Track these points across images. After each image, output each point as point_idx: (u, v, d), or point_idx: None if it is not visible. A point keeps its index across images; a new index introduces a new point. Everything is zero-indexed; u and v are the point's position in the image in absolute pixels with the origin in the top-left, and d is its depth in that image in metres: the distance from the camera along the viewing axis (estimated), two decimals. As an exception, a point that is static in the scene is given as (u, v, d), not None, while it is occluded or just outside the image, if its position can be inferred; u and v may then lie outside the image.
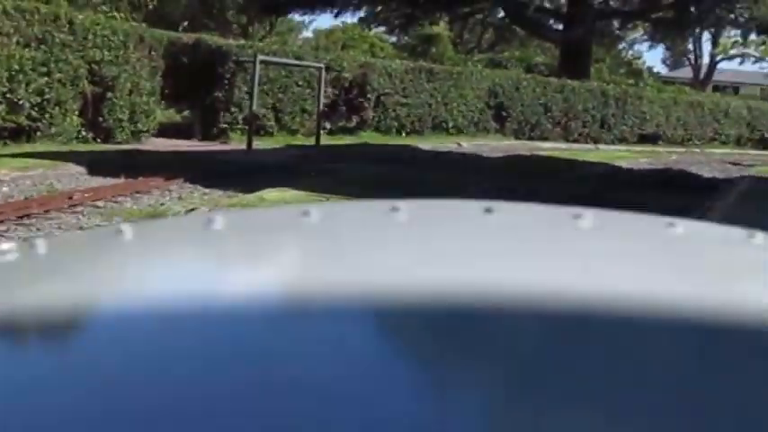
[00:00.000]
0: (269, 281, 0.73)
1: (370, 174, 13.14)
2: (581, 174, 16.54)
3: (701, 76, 62.05)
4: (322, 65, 19.89)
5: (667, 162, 22.12)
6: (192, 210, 8.81)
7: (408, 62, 25.49)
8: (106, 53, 16.00)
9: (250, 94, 17.81)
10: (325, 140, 19.36)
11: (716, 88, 58.00)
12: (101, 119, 15.89)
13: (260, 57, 18.13)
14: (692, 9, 37.03)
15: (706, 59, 63.69)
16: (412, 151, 18.97)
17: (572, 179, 15.02)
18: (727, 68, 65.10)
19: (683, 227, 0.86)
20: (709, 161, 23.89)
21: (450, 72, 24.70)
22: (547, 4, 40.46)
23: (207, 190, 10.72)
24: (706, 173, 19.64)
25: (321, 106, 19.50)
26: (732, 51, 64.97)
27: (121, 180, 10.95)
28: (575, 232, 0.85)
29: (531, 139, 26.21)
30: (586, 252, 0.82)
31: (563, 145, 25.83)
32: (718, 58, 64.55)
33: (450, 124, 24.22)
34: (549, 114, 27.02)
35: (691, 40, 63.67)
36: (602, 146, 27.08)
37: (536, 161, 18.61)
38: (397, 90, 22.86)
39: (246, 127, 17.63)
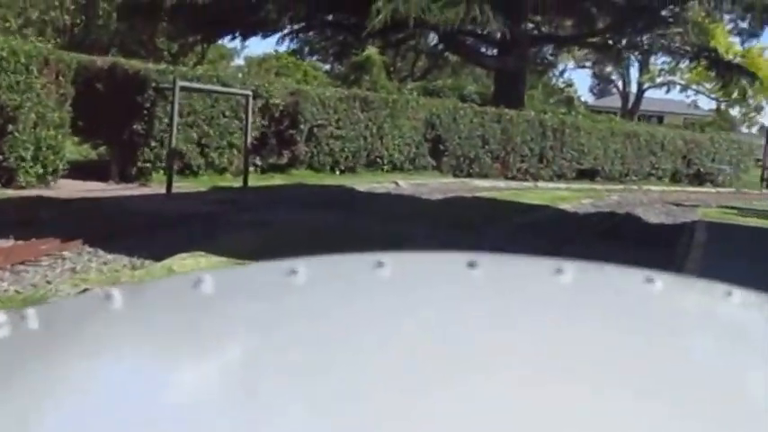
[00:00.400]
0: (269, 355, 0.76)
1: (304, 226, 11.57)
2: (526, 221, 15.24)
3: (629, 104, 62.09)
4: (249, 92, 18.08)
5: (610, 203, 21.01)
6: (85, 290, 7.13)
7: (342, 90, 24.02)
8: (5, 78, 14.10)
9: (170, 125, 15.93)
10: (255, 181, 17.64)
11: (641, 117, 58.03)
12: (1, 157, 13.97)
13: (180, 83, 16.25)
14: (627, 34, 36.53)
15: (634, 88, 63.90)
16: (348, 194, 17.45)
17: (518, 228, 13.68)
18: (652, 97, 65.43)
19: (663, 281, 0.90)
20: (651, 201, 22.88)
21: (386, 101, 23.24)
22: (479, 30, 39.66)
23: (110, 256, 9.00)
24: (652, 217, 18.55)
25: (249, 140, 17.74)
26: (659, 79, 65.44)
27: (9, 243, 9.15)
28: (557, 289, 0.89)
29: (469, 176, 24.92)
30: (569, 312, 0.87)
31: (502, 183, 24.60)
32: (646, 86, 64.84)
33: (386, 160, 22.78)
34: (487, 148, 25.77)
35: (619, 71, 63.81)
36: (541, 183, 25.96)
37: (478, 205, 17.26)
38: (330, 121, 21.33)
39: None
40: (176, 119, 15.87)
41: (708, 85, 65.61)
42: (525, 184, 25.41)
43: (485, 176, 25.64)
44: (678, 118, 67.40)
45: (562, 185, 25.93)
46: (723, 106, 65.85)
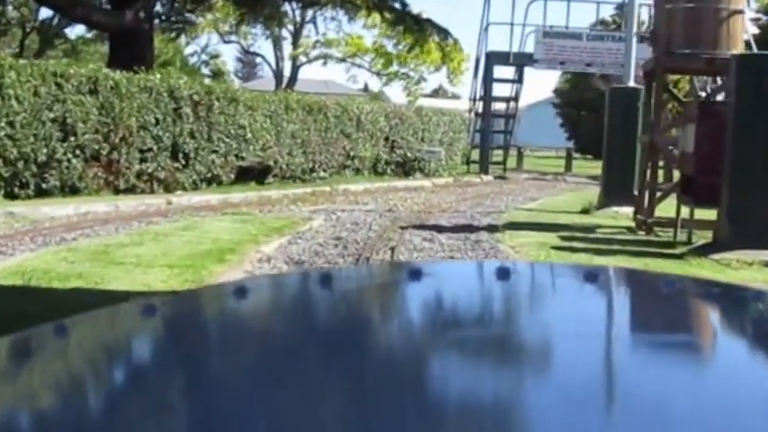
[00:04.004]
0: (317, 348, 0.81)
1: None
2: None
3: (284, 84, 51.72)
4: None
5: (322, 244, 9.65)
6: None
7: None
8: None
9: None
10: None
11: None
12: None
13: None
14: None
15: (287, 71, 53.85)
16: None
17: None
18: (305, 78, 55.88)
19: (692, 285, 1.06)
20: (383, 225, 11.90)
21: None
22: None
23: None
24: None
25: None
26: (314, 53, 55.86)
27: None
28: (590, 293, 0.97)
29: (42, 194, 12.57)
30: (598, 312, 0.94)
31: (104, 205, 12.44)
32: (300, 62, 55.02)
33: None
34: (73, 140, 13.46)
35: (271, 42, 53.62)
36: (178, 197, 14.18)
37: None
38: None
39: None
40: None
41: (367, 58, 57.63)
42: (150, 201, 13.50)
43: (74, 192, 13.42)
44: (330, 98, 57.61)
45: (215, 199, 14.36)
46: (384, 80, 57.99)
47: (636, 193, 12.51)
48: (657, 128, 10.77)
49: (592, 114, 48.96)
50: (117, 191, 14.24)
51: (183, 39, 46.42)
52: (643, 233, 10.89)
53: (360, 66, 56.41)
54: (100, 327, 0.92)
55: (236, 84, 54.75)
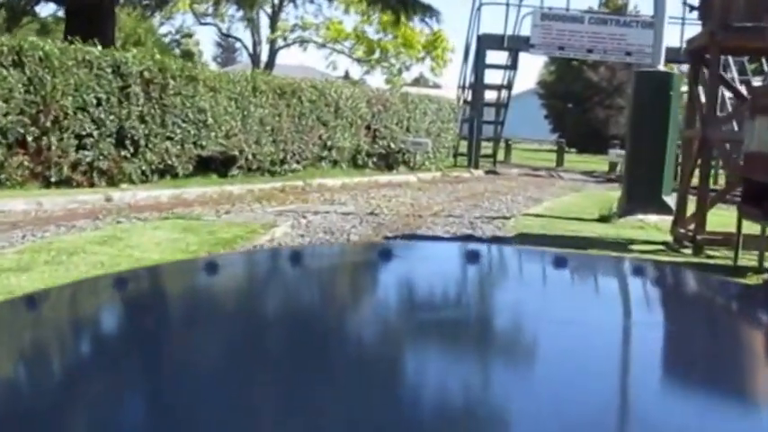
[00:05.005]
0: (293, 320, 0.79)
1: None
2: None
3: (261, 68, 49.06)
4: None
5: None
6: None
7: None
8: None
9: None
10: None
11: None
12: None
13: None
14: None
15: (265, 55, 51.20)
16: None
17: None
18: (284, 64, 53.26)
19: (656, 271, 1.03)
20: (361, 234, 9.58)
21: None
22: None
23: None
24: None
25: None
26: (292, 36, 53.20)
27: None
28: (553, 276, 0.93)
29: None
30: (561, 292, 0.91)
31: (23, 203, 9.99)
32: (278, 45, 52.36)
33: None
34: (-8, 122, 10.95)
35: (246, 25, 50.93)
36: (122, 192, 11.76)
37: None
38: None
39: None
40: None
41: (347, 43, 55.00)
42: (84, 197, 11.06)
43: (-6, 185, 10.96)
44: (305, 81, 54.78)
45: (166, 195, 11.96)
46: (365, 67, 55.47)
47: (670, 200, 10.22)
48: (712, 120, 8.46)
49: (578, 107, 46.75)
50: (48, 184, 11.77)
51: (157, 20, 43.68)
52: (689, 252, 8.59)
53: (340, 52, 53.87)
54: (70, 299, 0.88)
55: (215, 69, 51.98)
